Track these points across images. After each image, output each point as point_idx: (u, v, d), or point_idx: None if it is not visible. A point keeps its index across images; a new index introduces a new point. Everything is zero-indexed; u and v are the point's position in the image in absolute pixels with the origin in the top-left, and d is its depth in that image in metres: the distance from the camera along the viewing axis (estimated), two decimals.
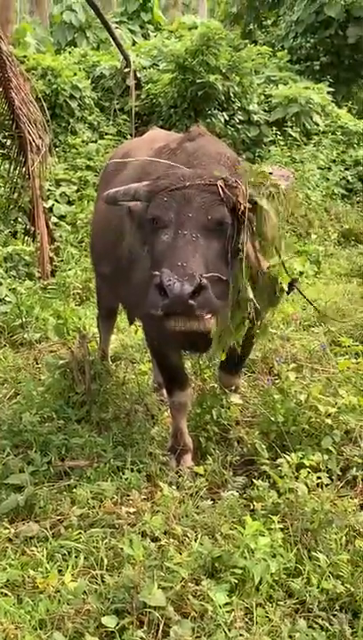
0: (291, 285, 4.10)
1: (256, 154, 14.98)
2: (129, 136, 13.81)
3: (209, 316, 3.51)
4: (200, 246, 3.56)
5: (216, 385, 5.23)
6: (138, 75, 15.19)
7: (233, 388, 5.00)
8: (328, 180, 14.54)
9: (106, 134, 14.05)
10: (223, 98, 14.93)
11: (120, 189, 3.97)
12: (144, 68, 15.85)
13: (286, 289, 4.06)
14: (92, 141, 13.61)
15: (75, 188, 12.14)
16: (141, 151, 4.96)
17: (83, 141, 13.47)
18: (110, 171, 5.38)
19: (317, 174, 14.19)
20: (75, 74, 14.24)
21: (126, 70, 14.85)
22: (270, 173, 3.97)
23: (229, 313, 3.87)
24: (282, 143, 14.90)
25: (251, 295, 3.84)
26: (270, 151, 14.78)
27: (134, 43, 18.13)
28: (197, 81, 14.34)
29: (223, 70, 14.83)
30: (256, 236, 3.85)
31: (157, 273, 3.44)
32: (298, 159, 14.55)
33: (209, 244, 3.63)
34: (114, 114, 14.71)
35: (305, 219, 12.00)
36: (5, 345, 7.60)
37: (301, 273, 9.53)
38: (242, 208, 3.74)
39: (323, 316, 6.26)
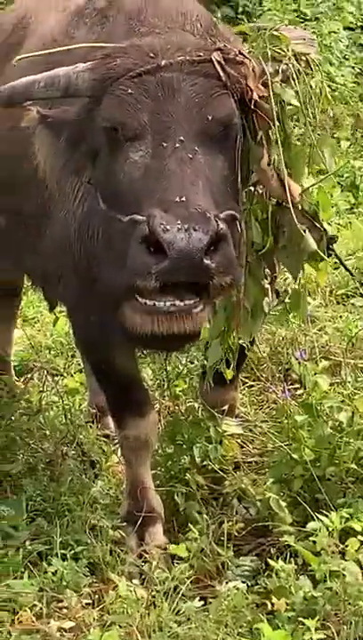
0: (328, 245, 3.52)
1: (239, 9, 12.00)
2: None
3: (200, 307, 2.94)
4: (202, 167, 2.95)
5: (197, 404, 4.55)
6: None
7: (226, 407, 4.24)
8: None
9: None
10: None
11: (34, 79, 3.18)
12: None
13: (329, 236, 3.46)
14: None
15: None
16: (47, 13, 4.32)
17: None
18: None
19: (344, 39, 11.41)
20: None
21: None
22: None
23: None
24: None
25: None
26: (261, 3, 11.83)
27: None
28: None
29: None
30: (278, 143, 3.19)
31: (139, 217, 2.82)
32: (310, 15, 11.68)
33: (213, 163, 3.04)
34: None
35: (327, 115, 10.26)
36: None
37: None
38: (254, 96, 3.12)
39: None
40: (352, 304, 6.27)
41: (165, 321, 2.93)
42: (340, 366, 5.07)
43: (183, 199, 2.82)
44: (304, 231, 3.28)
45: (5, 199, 4.33)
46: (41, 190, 3.71)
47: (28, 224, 4.14)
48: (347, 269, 4.40)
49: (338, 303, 6.37)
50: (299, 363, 4.89)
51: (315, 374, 4.38)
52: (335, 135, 8.91)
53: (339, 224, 7.59)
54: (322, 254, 3.45)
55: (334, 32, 11.22)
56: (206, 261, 2.78)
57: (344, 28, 11.33)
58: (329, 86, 7.17)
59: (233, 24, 8.07)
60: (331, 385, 4.45)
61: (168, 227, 2.74)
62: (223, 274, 2.86)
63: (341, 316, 6.02)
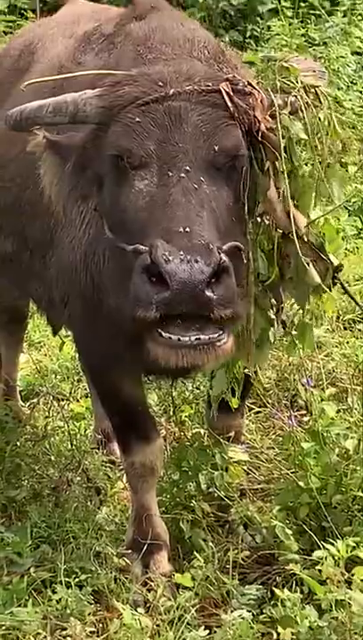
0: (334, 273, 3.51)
1: (247, 34, 11.88)
2: (31, 13, 11.57)
3: (224, 339, 2.89)
4: (207, 198, 2.95)
5: (203, 430, 4.56)
6: None
7: (232, 433, 4.24)
8: None
9: None
10: None
11: (41, 104, 3.20)
12: None
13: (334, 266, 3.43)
14: None
15: None
16: (55, 39, 4.37)
17: None
18: (6, 72, 4.54)
19: (351, 63, 11.07)
20: None
21: None
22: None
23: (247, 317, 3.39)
24: (290, 14, 11.56)
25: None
26: (269, 28, 11.50)
27: None
28: None
29: None
30: (284, 175, 3.20)
31: (142, 247, 2.82)
32: (318, 40, 11.48)
33: (219, 194, 3.03)
34: None
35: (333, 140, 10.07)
36: None
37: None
38: (262, 128, 3.12)
39: None
40: (359, 330, 6.34)
41: (188, 354, 2.90)
42: (347, 393, 5.05)
43: (187, 230, 2.80)
44: (308, 264, 3.25)
45: (13, 226, 4.32)
46: (47, 215, 3.70)
47: (33, 249, 4.15)
48: (353, 299, 4.37)
49: (345, 329, 6.38)
50: (305, 389, 4.90)
51: (322, 401, 4.40)
52: (343, 160, 8.68)
53: (346, 249, 7.51)
54: (326, 288, 3.42)
55: (342, 57, 10.96)
56: (208, 293, 2.75)
57: (352, 53, 11.07)
58: (336, 111, 7.25)
59: (241, 49, 7.91)
60: (338, 412, 4.42)
61: (170, 257, 2.73)
62: (223, 307, 2.82)
63: (348, 342, 6.03)
